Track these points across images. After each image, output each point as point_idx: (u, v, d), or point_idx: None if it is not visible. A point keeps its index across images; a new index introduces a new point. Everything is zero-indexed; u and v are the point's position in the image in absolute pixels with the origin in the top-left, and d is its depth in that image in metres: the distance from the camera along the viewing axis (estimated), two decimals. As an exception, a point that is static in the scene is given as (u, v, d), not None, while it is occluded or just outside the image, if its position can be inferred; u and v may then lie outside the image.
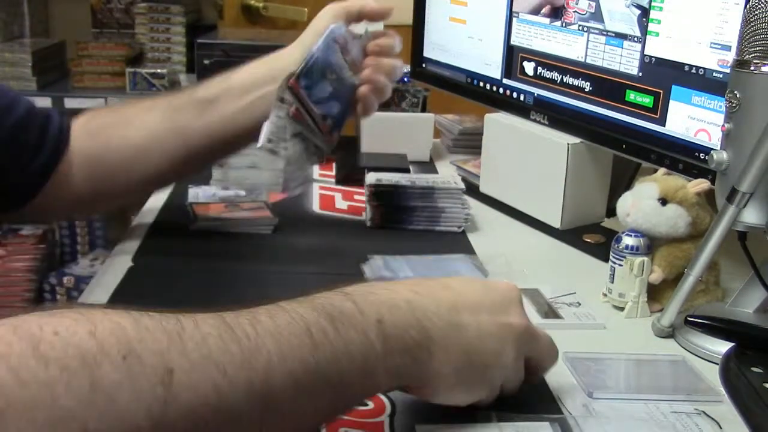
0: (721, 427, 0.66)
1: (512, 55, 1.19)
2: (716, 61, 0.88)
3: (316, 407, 0.53)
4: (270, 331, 0.50)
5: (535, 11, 1.13)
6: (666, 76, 0.94)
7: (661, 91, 0.95)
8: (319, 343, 0.52)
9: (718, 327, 0.75)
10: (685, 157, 0.92)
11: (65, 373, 0.41)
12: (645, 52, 0.97)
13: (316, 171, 1.33)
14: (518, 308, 0.65)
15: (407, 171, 1.31)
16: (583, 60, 1.06)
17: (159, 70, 2.47)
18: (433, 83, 1.40)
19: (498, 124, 1.20)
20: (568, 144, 1.07)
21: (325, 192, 1.26)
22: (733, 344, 0.74)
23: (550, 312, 0.86)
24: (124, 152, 0.94)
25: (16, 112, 0.90)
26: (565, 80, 1.10)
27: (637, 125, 0.99)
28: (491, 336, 0.62)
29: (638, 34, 0.97)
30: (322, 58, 0.93)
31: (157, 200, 1.18)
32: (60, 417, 0.41)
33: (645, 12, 0.96)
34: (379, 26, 0.99)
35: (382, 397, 0.69)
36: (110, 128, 0.96)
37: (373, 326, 0.55)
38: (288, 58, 0.96)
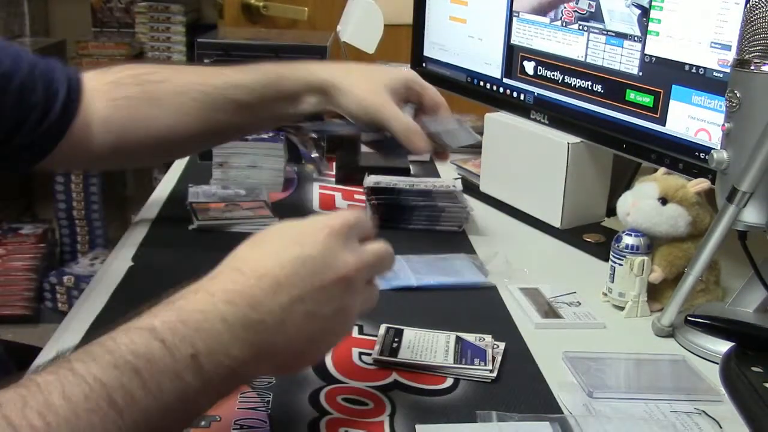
0: (721, 427, 0.66)
1: (512, 55, 1.19)
2: (716, 60, 0.88)
3: None
4: (66, 418, 0.45)
5: (538, 11, 1.13)
6: (666, 76, 0.94)
7: (662, 91, 0.95)
8: (124, 408, 0.47)
9: (718, 326, 0.75)
10: (685, 157, 0.92)
11: None
12: (645, 52, 0.97)
13: (317, 171, 1.33)
14: (339, 250, 0.59)
15: (407, 170, 1.31)
16: (583, 59, 1.06)
17: (159, 70, 2.47)
18: (433, 82, 1.39)
19: (498, 123, 1.20)
20: (568, 143, 1.07)
21: (325, 191, 1.26)
22: (734, 344, 0.74)
23: (550, 311, 0.87)
24: (151, 132, 0.93)
25: (19, 73, 0.87)
26: (565, 80, 1.10)
27: (637, 125, 0.99)
28: (323, 304, 0.57)
29: (638, 33, 0.97)
30: None
31: (157, 199, 1.18)
32: None
33: (645, 11, 0.96)
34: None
35: (382, 396, 0.69)
36: (137, 103, 0.93)
37: (186, 365, 0.50)
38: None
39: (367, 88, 0.96)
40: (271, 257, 0.57)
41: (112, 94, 0.93)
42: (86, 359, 0.48)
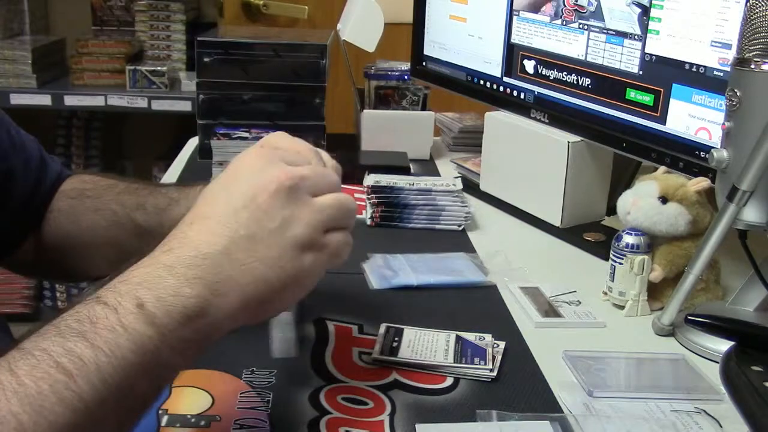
0: (721, 426, 0.66)
1: (512, 53, 1.19)
2: (717, 59, 0.88)
3: (118, 419, 0.49)
4: (13, 390, 0.44)
5: (535, 9, 1.13)
6: (666, 75, 0.94)
7: (662, 90, 0.95)
8: (74, 371, 0.46)
9: (718, 325, 0.75)
10: (685, 156, 0.92)
11: None
12: (645, 51, 0.97)
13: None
14: (267, 166, 0.58)
15: (407, 169, 1.31)
16: (583, 58, 1.06)
17: (159, 68, 2.47)
18: (434, 81, 1.40)
19: (498, 122, 1.20)
20: (568, 142, 1.07)
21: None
22: (734, 343, 0.74)
23: (550, 310, 0.86)
24: (70, 246, 0.90)
25: (13, 159, 0.86)
26: (565, 78, 1.10)
27: (637, 123, 0.99)
28: (264, 221, 0.56)
29: (639, 32, 0.97)
30: None
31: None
32: None
33: (645, 10, 0.96)
34: None
35: (382, 396, 0.69)
36: (66, 216, 0.91)
37: (134, 316, 0.49)
38: None
39: None
40: (204, 204, 0.58)
41: (54, 204, 0.91)
42: (33, 337, 0.48)
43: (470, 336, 0.78)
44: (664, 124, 0.96)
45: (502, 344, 0.78)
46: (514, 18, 1.17)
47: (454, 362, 0.74)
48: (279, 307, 0.59)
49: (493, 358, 0.74)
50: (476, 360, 0.74)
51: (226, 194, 0.57)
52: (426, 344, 0.77)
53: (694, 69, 0.91)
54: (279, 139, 0.63)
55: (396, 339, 0.78)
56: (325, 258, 0.59)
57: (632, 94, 0.99)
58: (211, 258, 0.54)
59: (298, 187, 0.58)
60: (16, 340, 0.49)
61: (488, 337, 0.78)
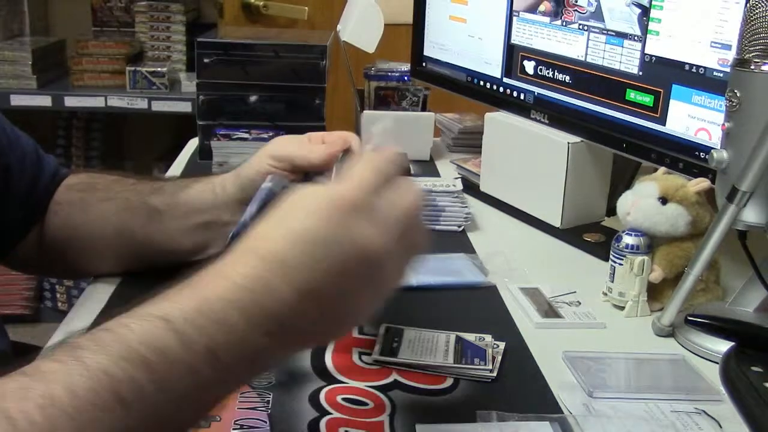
0: (721, 426, 0.66)
1: (512, 54, 1.19)
2: (716, 60, 0.88)
3: None
4: (68, 413, 0.43)
5: (533, 8, 1.13)
6: (666, 75, 0.94)
7: (662, 90, 0.95)
8: (132, 402, 0.45)
9: (718, 326, 0.75)
10: (685, 156, 0.92)
11: None
12: (645, 51, 0.97)
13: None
14: (355, 223, 0.53)
15: (408, 170, 1.31)
16: (583, 59, 1.06)
17: (159, 69, 2.47)
18: (434, 82, 1.40)
19: (498, 123, 1.20)
20: (568, 143, 1.07)
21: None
22: (734, 343, 0.74)
23: (550, 311, 0.86)
24: (77, 239, 0.91)
25: (9, 156, 0.87)
26: (565, 79, 1.10)
27: (637, 124, 0.99)
28: (348, 284, 0.53)
29: (638, 33, 0.97)
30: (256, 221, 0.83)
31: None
32: None
33: (645, 11, 0.96)
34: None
35: (382, 396, 0.69)
36: (75, 208, 0.92)
37: (201, 358, 0.48)
38: (231, 188, 0.90)
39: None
40: (287, 237, 0.52)
41: (60, 197, 0.92)
42: (95, 348, 0.46)
43: (470, 336, 0.78)
44: (664, 125, 0.96)
45: (501, 345, 0.78)
46: (514, 19, 1.17)
47: (454, 363, 0.74)
48: (330, 341, 0.61)
49: (493, 358, 0.74)
50: (476, 360, 0.74)
51: (312, 242, 0.52)
52: (426, 345, 0.77)
53: (693, 70, 0.91)
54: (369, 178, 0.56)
55: (396, 339, 0.78)
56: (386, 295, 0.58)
57: (632, 95, 0.99)
58: (288, 313, 0.51)
59: (392, 251, 0.54)
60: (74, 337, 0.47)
61: (488, 338, 0.78)
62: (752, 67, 0.73)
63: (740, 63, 0.74)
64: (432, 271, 0.94)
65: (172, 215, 0.88)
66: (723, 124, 0.77)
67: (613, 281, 0.88)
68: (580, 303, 0.89)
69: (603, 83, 1.04)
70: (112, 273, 0.91)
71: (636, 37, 0.98)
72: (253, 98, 1.35)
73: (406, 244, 0.56)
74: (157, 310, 0.49)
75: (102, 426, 0.44)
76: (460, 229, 1.09)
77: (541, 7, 1.12)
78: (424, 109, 1.45)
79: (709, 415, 0.68)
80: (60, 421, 0.42)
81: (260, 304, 0.50)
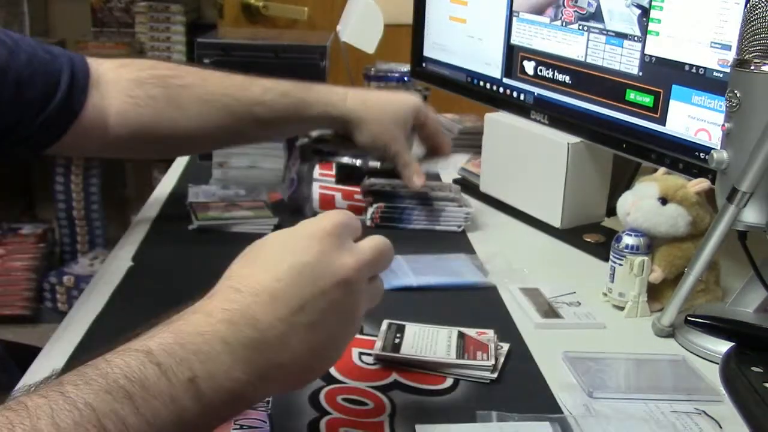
0: (721, 427, 0.66)
1: (512, 55, 1.19)
2: (716, 60, 0.88)
3: None
4: None
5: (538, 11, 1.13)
6: (666, 76, 0.94)
7: (662, 91, 0.95)
8: None
9: (718, 326, 0.75)
10: (685, 157, 0.92)
11: None
12: (645, 52, 0.97)
13: (317, 171, 1.33)
14: (334, 252, 0.57)
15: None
16: (583, 59, 1.06)
17: (159, 69, 2.47)
18: (434, 82, 1.40)
19: (498, 123, 1.20)
20: (568, 143, 1.07)
21: (325, 191, 1.25)
22: (734, 344, 0.74)
23: (550, 311, 0.86)
24: (170, 135, 0.96)
25: (15, 65, 0.87)
26: (565, 80, 1.10)
27: (637, 125, 0.99)
28: (326, 311, 0.55)
29: (638, 33, 0.97)
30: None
31: (157, 199, 1.18)
32: None
33: (645, 11, 0.96)
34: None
35: (382, 396, 0.69)
36: (160, 105, 0.96)
37: (184, 390, 0.48)
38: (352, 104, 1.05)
39: (380, 124, 1.06)
40: (267, 271, 0.55)
41: (134, 91, 0.96)
42: (78, 382, 0.47)
43: (471, 332, 0.78)
44: (664, 125, 0.96)
45: (506, 346, 0.77)
46: (514, 19, 1.17)
47: (457, 358, 0.74)
48: (306, 384, 0.60)
49: (496, 359, 0.74)
50: (478, 354, 0.74)
51: (295, 272, 0.55)
52: (428, 340, 0.77)
53: (693, 70, 0.91)
54: (344, 217, 0.61)
55: (398, 335, 0.78)
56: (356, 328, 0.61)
57: (632, 96, 0.99)
58: (268, 344, 0.52)
59: (363, 279, 0.58)
60: (55, 376, 0.48)
61: (490, 332, 0.78)
62: (752, 67, 0.73)
63: (740, 63, 0.74)
64: (432, 271, 0.94)
65: (283, 127, 1.04)
66: (723, 125, 0.77)
67: (613, 282, 0.88)
68: (580, 303, 0.89)
69: (603, 84, 1.04)
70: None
71: (636, 38, 0.98)
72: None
73: (372, 286, 0.61)
74: (138, 345, 0.49)
75: None
76: (460, 229, 1.10)
77: (543, 8, 1.12)
78: (424, 109, 1.45)
79: (709, 416, 0.68)
80: None
81: (243, 335, 0.52)
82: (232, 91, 0.99)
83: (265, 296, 0.53)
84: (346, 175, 1.28)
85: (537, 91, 1.15)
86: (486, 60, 1.24)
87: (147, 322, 0.52)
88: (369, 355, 0.75)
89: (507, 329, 0.82)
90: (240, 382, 0.51)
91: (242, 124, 0.99)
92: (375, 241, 0.61)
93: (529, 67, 1.16)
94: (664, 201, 0.87)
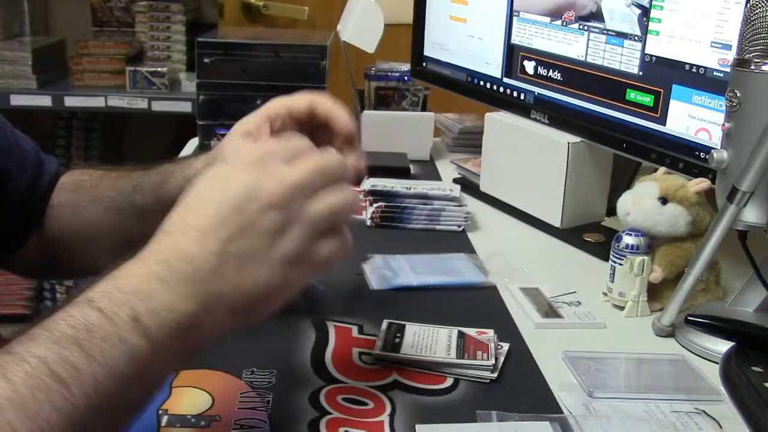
0: (721, 427, 0.66)
1: (513, 54, 1.19)
2: (717, 60, 0.88)
3: (109, 425, 0.49)
4: (8, 397, 0.44)
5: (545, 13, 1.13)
6: (666, 75, 0.94)
7: (662, 90, 0.95)
8: (69, 380, 0.46)
9: (718, 326, 0.75)
10: (685, 156, 0.92)
11: None
12: (645, 51, 0.97)
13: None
14: (258, 178, 0.57)
15: (407, 170, 1.31)
16: (583, 59, 1.06)
17: (159, 69, 2.47)
18: (434, 82, 1.40)
19: (498, 123, 1.20)
20: (568, 143, 1.07)
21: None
22: (734, 343, 0.74)
23: (550, 311, 0.86)
24: (75, 240, 0.90)
25: (8, 160, 0.86)
26: (565, 79, 1.10)
27: (637, 124, 0.99)
28: (256, 238, 0.55)
29: (639, 33, 0.97)
30: None
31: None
32: None
33: (645, 11, 0.96)
34: None
35: (382, 396, 0.69)
36: (67, 210, 0.91)
37: (129, 328, 0.50)
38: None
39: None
40: (194, 209, 0.57)
41: (54, 199, 0.91)
42: (25, 340, 0.48)
43: (471, 331, 0.78)
44: (664, 125, 0.96)
45: (506, 346, 0.77)
46: (514, 19, 1.17)
47: (457, 358, 0.74)
48: (263, 315, 0.59)
49: (496, 358, 0.74)
50: (478, 354, 0.74)
51: (217, 204, 0.56)
52: (428, 340, 0.77)
53: (694, 70, 0.91)
54: (270, 145, 0.61)
55: (398, 335, 0.78)
56: (312, 270, 0.59)
57: (632, 95, 0.99)
58: (203, 275, 0.54)
59: (291, 200, 0.57)
60: (5, 341, 0.49)
61: (491, 332, 0.78)
62: (752, 67, 0.73)
63: (740, 63, 0.74)
64: (432, 271, 0.94)
65: (159, 213, 0.88)
66: (723, 124, 0.77)
67: (613, 281, 0.88)
68: (580, 303, 0.89)
69: (603, 83, 1.04)
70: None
71: (636, 37, 0.98)
72: (253, 98, 1.35)
73: (311, 212, 0.57)
74: (79, 297, 0.51)
75: (44, 407, 0.45)
76: (460, 229, 1.10)
77: (542, 7, 1.12)
78: (424, 109, 1.45)
79: (709, 415, 0.68)
80: (1, 408, 0.44)
81: (176, 269, 0.53)
82: (118, 183, 0.90)
83: (194, 232, 0.55)
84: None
85: (537, 90, 1.15)
86: (486, 59, 1.24)
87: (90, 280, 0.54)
88: (369, 354, 0.75)
89: (507, 329, 0.82)
90: (183, 314, 0.52)
91: (125, 218, 0.88)
92: (311, 162, 0.59)
93: (529, 66, 1.16)
94: (664, 201, 0.87)
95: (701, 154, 0.90)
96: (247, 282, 0.55)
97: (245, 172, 0.57)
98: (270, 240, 0.56)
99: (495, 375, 0.72)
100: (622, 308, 0.87)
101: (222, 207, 0.56)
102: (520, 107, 1.18)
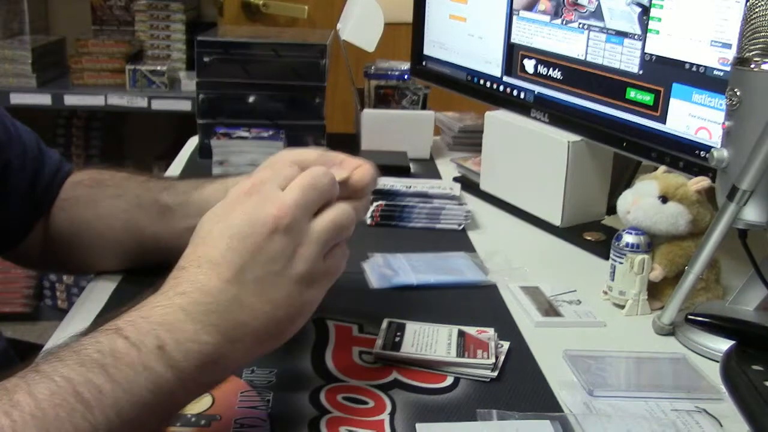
0: (721, 425, 0.66)
1: (512, 53, 1.19)
2: (717, 58, 0.88)
3: None
4: (32, 413, 0.45)
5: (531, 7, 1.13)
6: (666, 74, 0.94)
7: (662, 89, 0.95)
8: (93, 402, 0.47)
9: (718, 325, 0.75)
10: (685, 155, 0.92)
11: None
12: (645, 50, 0.97)
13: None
14: (259, 205, 0.58)
15: (407, 168, 1.31)
16: (583, 58, 1.06)
17: (159, 68, 2.47)
18: (434, 81, 1.40)
19: (498, 121, 1.20)
20: (568, 142, 1.07)
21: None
22: (734, 342, 0.74)
23: (550, 310, 0.86)
24: (85, 234, 0.90)
25: (9, 152, 0.86)
26: (565, 78, 1.10)
27: (637, 123, 0.99)
28: (269, 263, 0.57)
29: (639, 32, 0.97)
30: None
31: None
32: None
33: (645, 10, 0.96)
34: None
35: (383, 395, 0.69)
36: (83, 203, 0.90)
37: (155, 357, 0.51)
38: None
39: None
40: (204, 244, 0.59)
41: (66, 193, 0.91)
42: (52, 360, 0.49)
43: (472, 330, 0.78)
44: (665, 124, 0.96)
45: (506, 344, 0.77)
46: (514, 17, 1.17)
47: (457, 356, 0.74)
48: (287, 338, 0.61)
49: (496, 357, 0.74)
50: (479, 352, 0.74)
51: (223, 235, 0.58)
52: (428, 339, 0.77)
53: (694, 68, 0.91)
54: (266, 172, 0.62)
55: (398, 334, 0.78)
56: (327, 283, 0.62)
57: (632, 94, 0.99)
58: (224, 305, 0.55)
59: (295, 220, 0.59)
60: (31, 362, 0.50)
61: (491, 331, 0.78)
62: (752, 65, 0.73)
63: (740, 62, 0.74)
64: (432, 270, 0.94)
65: (184, 214, 0.87)
66: (723, 123, 0.77)
67: (613, 280, 0.88)
68: (580, 302, 0.89)
69: (603, 82, 1.04)
70: (116, 269, 0.91)
71: (636, 36, 0.98)
72: (252, 97, 1.35)
73: (325, 218, 0.60)
74: (106, 326, 0.53)
75: (65, 425, 0.46)
76: (460, 227, 1.10)
77: (541, 6, 1.12)
78: (424, 107, 1.45)
79: (709, 414, 0.68)
80: (23, 422, 0.45)
81: (197, 300, 0.55)
82: (148, 184, 0.91)
83: (207, 265, 0.57)
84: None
85: (537, 89, 1.15)
86: (486, 58, 1.24)
87: (115, 311, 0.55)
88: (369, 353, 0.75)
89: (507, 328, 0.82)
90: (208, 344, 0.54)
91: (146, 217, 0.88)
92: (301, 179, 0.61)
93: (529, 65, 1.16)
94: (664, 199, 0.87)
95: (701, 152, 0.90)
96: (268, 306, 0.57)
97: (244, 202, 0.59)
98: (284, 263, 0.58)
99: (495, 374, 0.72)
100: (622, 307, 0.87)
101: (229, 237, 0.58)
102: (520, 106, 1.18)
